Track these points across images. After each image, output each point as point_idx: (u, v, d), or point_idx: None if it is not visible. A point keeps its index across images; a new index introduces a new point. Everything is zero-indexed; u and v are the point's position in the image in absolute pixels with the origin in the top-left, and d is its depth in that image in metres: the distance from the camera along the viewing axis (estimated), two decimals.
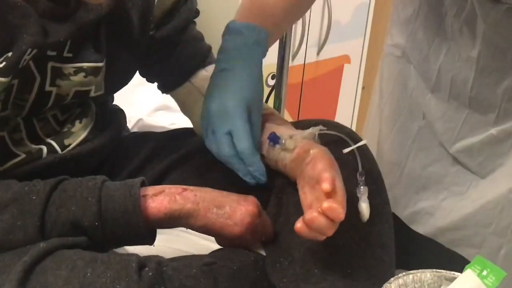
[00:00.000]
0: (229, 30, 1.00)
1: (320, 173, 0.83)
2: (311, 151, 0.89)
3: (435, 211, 1.28)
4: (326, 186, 0.79)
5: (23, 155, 0.94)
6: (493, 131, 1.16)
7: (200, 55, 1.12)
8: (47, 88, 0.93)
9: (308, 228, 0.78)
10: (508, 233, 1.17)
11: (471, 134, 1.20)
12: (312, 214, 0.77)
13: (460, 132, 1.22)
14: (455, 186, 1.25)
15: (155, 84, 1.16)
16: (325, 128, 0.96)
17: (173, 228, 0.91)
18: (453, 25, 1.17)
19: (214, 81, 0.98)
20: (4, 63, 0.84)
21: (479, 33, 1.11)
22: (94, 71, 0.96)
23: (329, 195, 0.79)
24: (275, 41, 1.13)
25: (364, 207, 0.88)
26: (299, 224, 0.79)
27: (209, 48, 1.14)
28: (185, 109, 1.15)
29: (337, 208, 0.76)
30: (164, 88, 1.15)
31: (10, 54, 0.84)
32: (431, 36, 1.23)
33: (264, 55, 1.01)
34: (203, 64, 1.12)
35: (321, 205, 0.77)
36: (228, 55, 0.98)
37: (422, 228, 1.29)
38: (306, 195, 0.85)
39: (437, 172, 1.28)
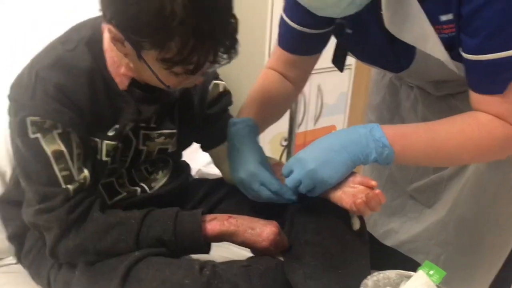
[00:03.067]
0: (231, 124, 0.97)
1: (365, 178, 0.84)
2: None
3: (399, 230, 1.25)
4: (374, 182, 0.82)
5: (125, 193, 0.95)
6: (433, 177, 1.16)
7: None
8: (140, 147, 0.94)
9: (366, 203, 0.79)
10: (444, 245, 1.15)
11: (420, 179, 1.19)
12: (372, 194, 0.78)
13: (412, 178, 1.21)
14: (411, 213, 1.23)
15: None
16: None
17: (222, 242, 0.91)
18: (405, 107, 1.18)
19: (233, 158, 0.93)
20: (113, 132, 0.86)
21: (419, 112, 1.13)
22: (170, 135, 0.97)
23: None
24: (269, 123, 1.10)
25: (356, 220, 0.89)
26: (359, 200, 0.79)
27: None
28: (217, 162, 1.10)
29: (383, 195, 0.79)
30: (205, 147, 1.10)
31: (117, 126, 0.87)
32: (392, 115, 1.23)
33: (256, 133, 0.97)
34: None
35: (373, 191, 0.79)
36: (234, 139, 0.94)
37: (390, 241, 1.27)
38: (344, 193, 0.84)
39: (400, 204, 1.26)
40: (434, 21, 0.81)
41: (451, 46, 0.83)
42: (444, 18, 0.80)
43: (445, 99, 1.08)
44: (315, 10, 0.84)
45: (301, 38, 1.00)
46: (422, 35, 0.83)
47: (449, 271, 0.78)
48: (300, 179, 0.84)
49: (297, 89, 1.13)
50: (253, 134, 0.96)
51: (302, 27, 0.98)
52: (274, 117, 1.10)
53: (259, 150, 0.94)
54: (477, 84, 0.82)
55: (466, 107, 0.86)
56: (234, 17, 0.76)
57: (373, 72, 1.32)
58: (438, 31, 0.82)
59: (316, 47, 1.05)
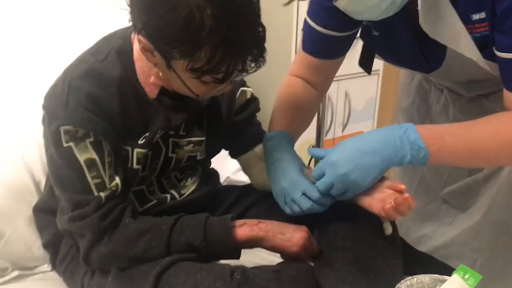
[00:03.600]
0: (268, 137, 0.98)
1: (394, 182, 0.84)
2: None
3: (433, 235, 1.24)
4: (404, 186, 0.81)
5: (155, 201, 0.97)
6: (467, 180, 1.14)
7: (259, 135, 1.06)
8: (169, 155, 0.95)
9: (396, 208, 0.78)
10: (480, 250, 1.13)
11: (453, 183, 1.17)
12: (401, 199, 0.78)
13: (445, 182, 1.19)
14: (445, 217, 1.22)
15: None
16: None
17: (252, 248, 0.91)
18: (435, 110, 1.17)
19: (274, 169, 0.93)
20: (144, 140, 0.88)
21: (450, 115, 1.12)
22: (199, 143, 0.98)
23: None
24: (301, 131, 1.10)
25: (388, 225, 0.88)
26: (388, 206, 0.79)
27: (264, 132, 1.07)
28: (245, 168, 1.09)
29: (413, 199, 0.78)
30: (234, 154, 1.10)
31: (147, 134, 0.88)
32: (422, 119, 1.22)
33: (292, 144, 0.98)
34: (261, 140, 1.04)
35: (402, 196, 0.78)
36: (274, 151, 0.95)
37: (424, 247, 1.25)
38: (373, 198, 0.83)
39: (433, 209, 1.24)
40: (466, 20, 0.80)
41: (484, 45, 0.82)
42: (476, 17, 0.79)
43: (476, 100, 1.07)
44: (353, 14, 0.84)
45: (326, 41, 1.01)
46: (455, 35, 0.83)
47: (485, 277, 0.76)
48: (332, 183, 0.83)
49: (321, 95, 1.13)
50: (291, 146, 0.97)
51: (327, 30, 0.99)
52: (304, 125, 1.11)
53: (299, 160, 0.94)
54: (511, 83, 0.81)
55: (499, 107, 0.85)
56: (261, 25, 0.77)
57: (402, 75, 1.32)
58: (470, 31, 0.81)
59: (341, 50, 1.05)
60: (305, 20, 1.02)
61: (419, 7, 0.82)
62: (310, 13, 1.01)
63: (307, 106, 1.08)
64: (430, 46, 0.89)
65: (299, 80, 1.08)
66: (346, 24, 0.96)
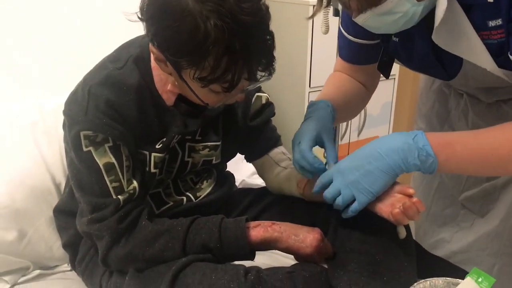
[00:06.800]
0: (310, 104, 0.98)
1: (403, 186, 0.84)
2: None
3: (450, 239, 1.23)
4: (412, 190, 0.82)
5: (171, 203, 0.99)
6: (486, 185, 1.13)
7: (274, 139, 1.10)
8: (186, 159, 0.97)
9: (404, 212, 0.79)
10: (498, 255, 1.11)
11: (472, 188, 1.16)
12: (409, 203, 0.79)
13: (464, 187, 1.18)
14: (463, 222, 1.21)
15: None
16: None
17: (267, 250, 0.92)
18: (455, 115, 1.17)
19: (302, 124, 0.95)
20: (161, 145, 0.90)
21: (470, 120, 1.11)
22: (215, 147, 1.00)
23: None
24: (345, 113, 1.10)
25: (402, 229, 0.89)
26: (396, 210, 0.80)
27: (279, 136, 1.12)
28: (261, 173, 1.11)
29: (422, 203, 0.79)
30: (249, 158, 1.12)
31: (164, 139, 0.90)
32: (442, 124, 1.22)
33: (331, 112, 0.97)
34: (276, 144, 1.10)
35: (410, 200, 0.79)
36: (310, 112, 0.96)
37: (441, 251, 1.24)
38: (382, 202, 0.84)
39: (451, 213, 1.23)
40: (482, 27, 0.80)
41: (500, 51, 0.81)
42: (492, 23, 0.79)
43: (495, 105, 1.06)
44: (371, 29, 0.84)
45: (359, 49, 1.03)
46: (469, 47, 0.82)
47: (503, 282, 0.76)
48: (340, 190, 0.84)
49: (369, 90, 1.14)
50: (327, 109, 0.96)
51: (358, 39, 1.01)
52: (348, 109, 1.10)
53: (323, 121, 0.93)
54: None
55: None
56: (269, 33, 0.78)
57: (422, 80, 1.31)
58: (487, 37, 0.81)
59: (375, 57, 1.05)
60: (339, 29, 1.05)
61: (435, 21, 0.81)
62: (342, 22, 1.04)
63: (351, 94, 1.09)
64: (447, 55, 0.88)
65: (344, 74, 1.11)
66: (374, 33, 0.96)
